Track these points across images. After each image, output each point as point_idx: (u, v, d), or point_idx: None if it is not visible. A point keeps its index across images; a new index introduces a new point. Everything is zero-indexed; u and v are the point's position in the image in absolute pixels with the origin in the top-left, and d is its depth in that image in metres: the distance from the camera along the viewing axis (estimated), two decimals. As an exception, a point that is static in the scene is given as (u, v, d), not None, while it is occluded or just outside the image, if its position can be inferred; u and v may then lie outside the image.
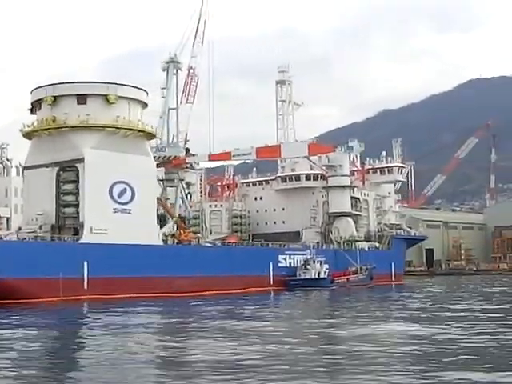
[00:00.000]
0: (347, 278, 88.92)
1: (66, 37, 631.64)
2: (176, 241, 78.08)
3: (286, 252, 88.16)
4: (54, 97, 70.87)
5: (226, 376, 20.42)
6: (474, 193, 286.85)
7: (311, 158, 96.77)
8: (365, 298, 66.27)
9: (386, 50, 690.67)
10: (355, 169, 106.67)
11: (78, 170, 69.98)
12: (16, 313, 47.05)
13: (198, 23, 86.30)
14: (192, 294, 66.53)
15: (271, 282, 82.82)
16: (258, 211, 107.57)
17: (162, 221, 79.68)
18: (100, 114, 70.57)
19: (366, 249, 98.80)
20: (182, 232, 79.84)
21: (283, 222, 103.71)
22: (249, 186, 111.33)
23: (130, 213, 70.83)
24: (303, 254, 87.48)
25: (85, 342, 31.73)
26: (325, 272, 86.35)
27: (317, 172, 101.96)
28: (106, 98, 70.95)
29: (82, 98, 70.92)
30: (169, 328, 39.08)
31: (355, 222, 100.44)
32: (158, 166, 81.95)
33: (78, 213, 69.54)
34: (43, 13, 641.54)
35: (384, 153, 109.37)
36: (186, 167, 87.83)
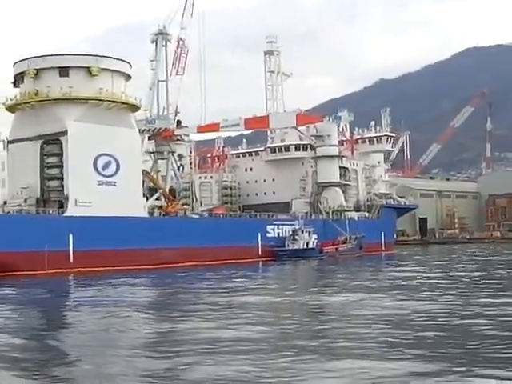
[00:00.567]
0: (336, 248, 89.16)
1: (59, 10, 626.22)
2: (163, 213, 78.36)
3: (275, 222, 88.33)
4: (37, 70, 70.55)
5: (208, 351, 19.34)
6: (470, 162, 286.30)
7: (300, 128, 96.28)
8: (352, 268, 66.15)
9: (382, 20, 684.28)
10: (344, 139, 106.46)
11: (61, 143, 69.85)
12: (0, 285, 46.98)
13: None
14: (179, 264, 67.15)
15: (259, 253, 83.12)
16: (248, 182, 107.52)
17: (152, 193, 79.96)
18: (83, 86, 70.28)
19: (356, 218, 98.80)
20: (169, 204, 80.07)
21: (273, 193, 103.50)
22: (239, 157, 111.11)
23: (115, 185, 70.85)
24: (292, 225, 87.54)
25: (68, 318, 30.85)
26: (313, 242, 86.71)
27: (306, 142, 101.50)
28: (88, 70, 70.59)
29: (64, 71, 70.60)
30: (157, 303, 37.80)
31: (344, 191, 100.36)
32: (148, 138, 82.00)
33: (62, 186, 69.61)
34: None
35: (373, 122, 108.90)
36: (177, 139, 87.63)
